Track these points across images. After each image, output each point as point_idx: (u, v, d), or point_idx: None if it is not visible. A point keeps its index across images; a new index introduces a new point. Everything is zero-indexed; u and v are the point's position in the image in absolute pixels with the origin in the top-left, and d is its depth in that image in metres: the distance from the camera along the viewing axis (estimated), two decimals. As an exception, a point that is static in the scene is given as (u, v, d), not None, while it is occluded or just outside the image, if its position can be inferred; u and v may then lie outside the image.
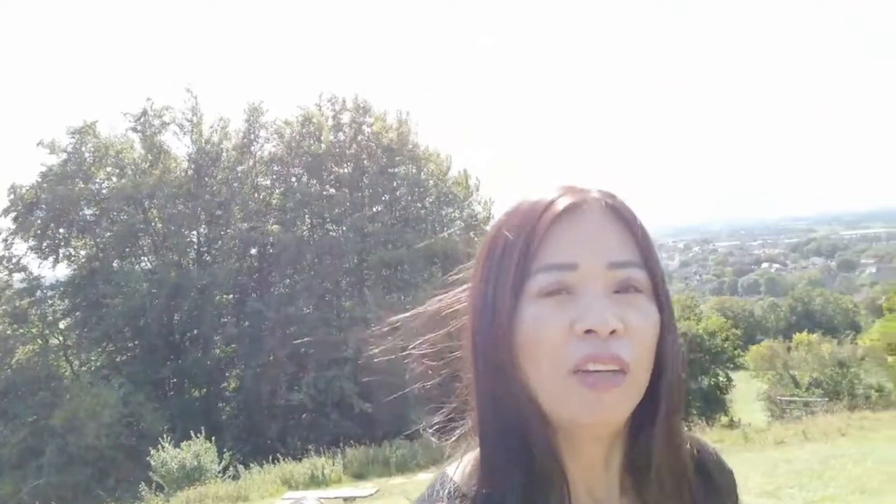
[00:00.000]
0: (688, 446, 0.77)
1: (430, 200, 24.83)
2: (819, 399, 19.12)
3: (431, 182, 24.94)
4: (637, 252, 0.71)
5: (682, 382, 0.74)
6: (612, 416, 0.67)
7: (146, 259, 22.38)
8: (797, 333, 25.37)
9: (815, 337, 23.65)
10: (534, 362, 0.68)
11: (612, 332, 0.66)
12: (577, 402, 0.66)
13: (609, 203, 0.72)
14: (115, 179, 22.20)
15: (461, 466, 0.73)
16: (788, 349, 22.94)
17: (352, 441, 15.33)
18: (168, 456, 11.48)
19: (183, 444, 11.86)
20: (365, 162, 23.87)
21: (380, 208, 23.59)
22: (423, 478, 11.75)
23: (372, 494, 10.61)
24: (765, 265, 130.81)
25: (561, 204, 0.70)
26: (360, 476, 13.08)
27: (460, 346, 0.76)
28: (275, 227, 21.93)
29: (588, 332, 0.66)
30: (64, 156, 21.83)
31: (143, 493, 11.04)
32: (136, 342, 20.92)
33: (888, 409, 16.44)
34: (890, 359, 18.91)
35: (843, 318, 48.34)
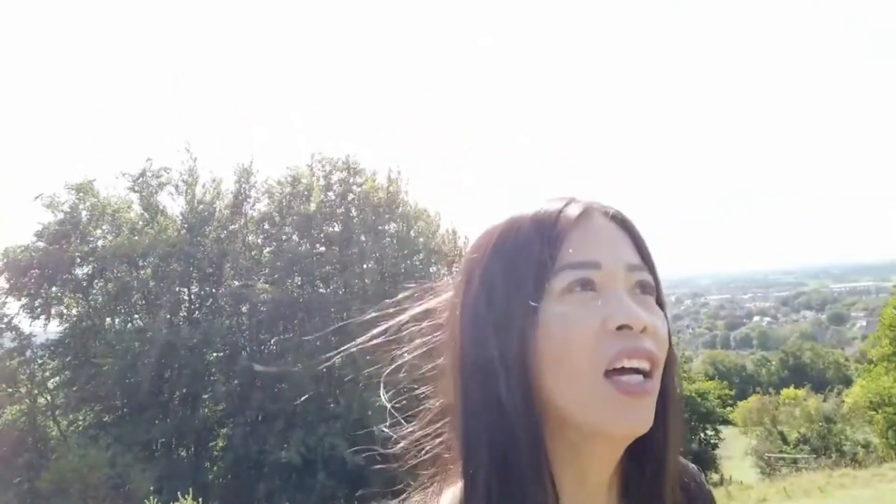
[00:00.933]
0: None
1: (419, 258, 25.25)
2: (806, 455, 19.27)
3: (421, 240, 25.42)
4: (643, 254, 0.73)
5: (680, 389, 0.75)
6: (644, 423, 0.66)
7: (138, 317, 22.53)
8: (784, 389, 25.55)
9: (802, 392, 23.86)
10: (560, 364, 0.66)
11: (643, 329, 0.67)
12: (610, 408, 0.65)
13: (611, 212, 0.74)
14: (110, 238, 22.55)
15: None
16: (777, 405, 23.13)
17: (341, 500, 15.31)
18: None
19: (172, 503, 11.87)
20: (355, 221, 24.40)
21: (369, 266, 23.98)
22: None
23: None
24: (756, 318, 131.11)
25: (575, 209, 0.71)
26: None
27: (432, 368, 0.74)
28: (265, 285, 22.26)
29: (620, 328, 0.66)
30: (61, 214, 22.23)
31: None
32: (124, 401, 20.88)
33: (872, 465, 16.59)
34: (874, 415, 19.17)
35: (834, 372, 48.59)
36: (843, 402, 21.93)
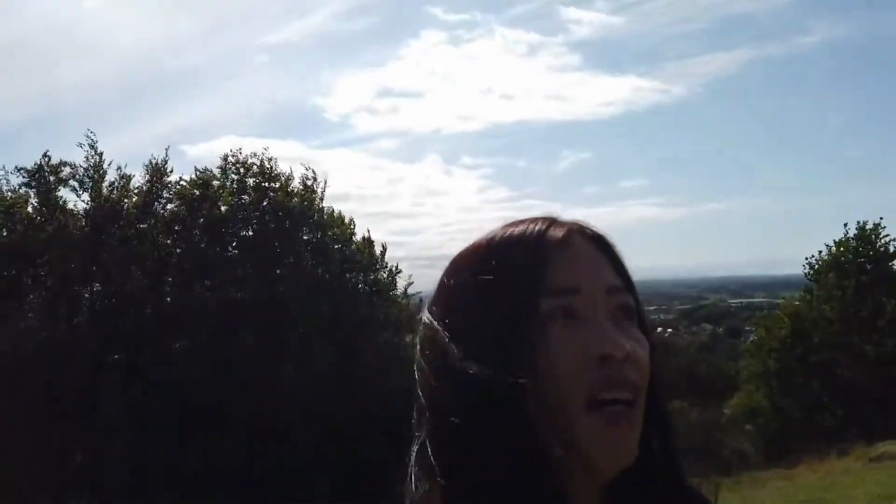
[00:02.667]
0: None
1: (334, 266, 25.43)
2: (688, 463, 20.77)
3: (336, 247, 25.59)
4: (624, 276, 0.71)
5: (669, 414, 0.72)
6: (629, 454, 0.64)
7: (33, 316, 21.65)
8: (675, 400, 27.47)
9: (685, 404, 25.69)
10: (543, 396, 0.63)
11: (626, 356, 0.64)
12: (597, 440, 0.62)
13: (590, 232, 0.72)
14: (4, 234, 21.58)
15: None
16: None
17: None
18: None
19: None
20: (270, 226, 24.32)
21: (282, 272, 23.96)
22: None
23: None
24: (659, 330, 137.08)
25: (558, 231, 0.69)
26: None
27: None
28: (173, 287, 21.86)
29: (603, 358, 0.63)
30: (-50, 207, 21.12)
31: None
32: (17, 406, 19.99)
33: (744, 472, 18.15)
34: (748, 427, 20.95)
35: (725, 384, 51.85)
36: (723, 413, 23.75)
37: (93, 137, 22.27)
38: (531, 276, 0.66)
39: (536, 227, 0.70)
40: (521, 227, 0.70)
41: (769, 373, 18.75)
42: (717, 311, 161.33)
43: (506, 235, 0.70)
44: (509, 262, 0.67)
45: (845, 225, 17.74)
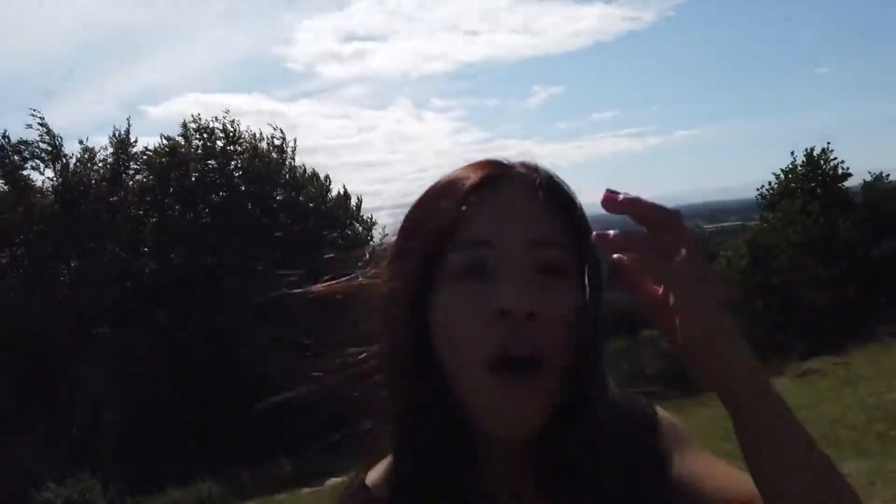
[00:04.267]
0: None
1: (310, 224, 25.68)
2: (660, 390, 21.95)
3: (311, 205, 25.80)
4: (566, 232, 0.65)
5: (603, 376, 0.69)
6: (526, 423, 0.62)
7: (13, 294, 21.84)
8: (644, 330, 28.61)
9: (655, 333, 26.66)
10: (451, 357, 0.62)
11: (531, 315, 0.60)
12: (493, 404, 0.61)
13: (535, 177, 0.67)
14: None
15: (376, 474, 0.69)
16: (636, 343, 26.05)
17: (234, 463, 16.05)
18: (51, 495, 11.89)
19: (67, 480, 12.30)
20: (241, 189, 24.43)
21: (257, 234, 24.20)
22: (306, 491, 12.85)
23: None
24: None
25: (476, 177, 0.66)
26: (242, 496, 13.94)
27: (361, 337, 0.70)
28: (149, 258, 22.11)
29: (504, 314, 0.60)
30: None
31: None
32: (4, 381, 20.40)
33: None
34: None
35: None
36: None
37: (39, 115, 21.90)
38: (439, 230, 0.64)
39: (459, 174, 0.67)
40: (451, 174, 0.68)
41: (731, 302, 19.71)
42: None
43: (434, 185, 0.69)
44: (426, 213, 0.66)
45: (792, 153, 18.48)
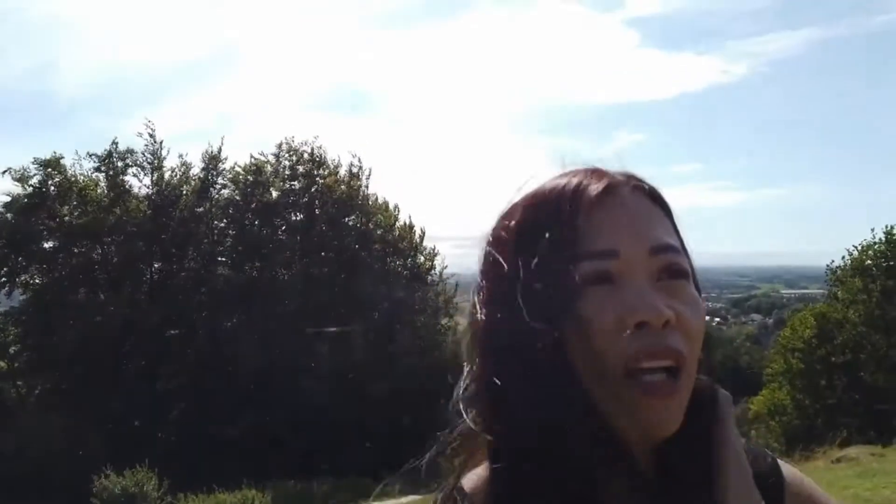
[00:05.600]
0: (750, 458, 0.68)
1: (377, 250, 26.59)
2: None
3: (379, 233, 26.76)
4: (675, 235, 0.67)
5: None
6: (669, 425, 0.61)
7: (100, 292, 23.53)
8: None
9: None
10: (587, 363, 0.61)
11: (666, 323, 0.60)
12: (632, 410, 0.61)
13: (637, 185, 0.67)
14: (77, 214, 23.45)
15: (471, 484, 0.67)
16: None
17: (283, 476, 16.73)
18: (110, 483, 12.83)
19: (126, 471, 13.23)
20: (317, 212, 25.66)
21: (328, 255, 25.26)
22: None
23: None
24: (706, 318, 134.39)
25: (595, 187, 0.65)
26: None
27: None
28: (226, 269, 23.48)
29: (639, 325, 0.60)
30: (30, 188, 23.04)
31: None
32: (82, 371, 21.94)
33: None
34: (772, 423, 21.33)
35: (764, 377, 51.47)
36: (749, 408, 24.09)
37: (151, 126, 23.96)
38: (562, 242, 0.62)
39: (573, 183, 0.66)
40: (560, 182, 0.67)
41: (792, 372, 19.14)
42: (767, 301, 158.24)
43: (543, 190, 0.67)
44: (542, 224, 0.64)
45: (872, 230, 17.96)
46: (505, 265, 0.65)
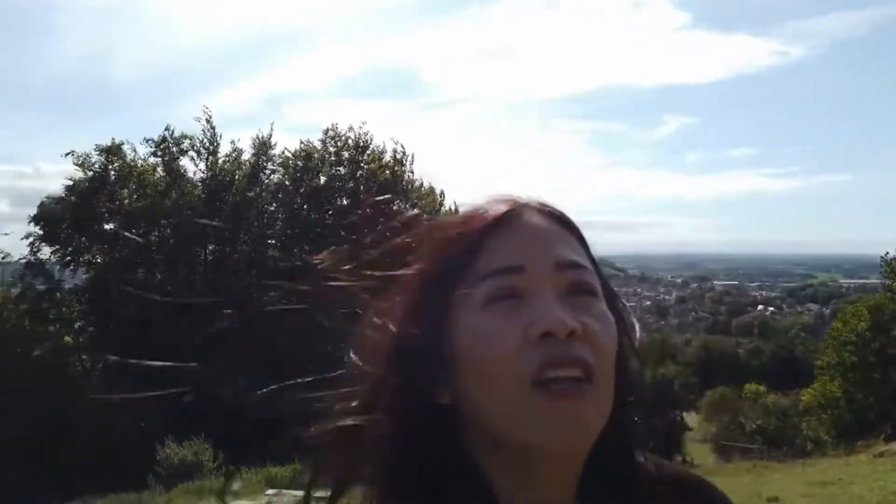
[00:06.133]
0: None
1: (421, 234, 26.83)
2: (759, 447, 21.06)
3: (424, 217, 27.00)
4: (584, 256, 0.68)
5: (643, 405, 0.69)
6: (582, 429, 0.59)
7: (158, 272, 24.52)
8: (747, 384, 27.37)
9: (762, 388, 25.64)
10: (486, 381, 0.61)
11: (571, 333, 0.60)
12: (542, 417, 0.59)
13: (546, 209, 0.69)
14: (136, 198, 24.47)
15: None
16: (740, 396, 24.96)
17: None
18: (171, 453, 13.57)
19: (184, 443, 13.95)
20: (362, 196, 26.11)
21: (374, 239, 25.66)
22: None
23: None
24: (760, 308, 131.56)
25: (496, 210, 0.67)
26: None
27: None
28: (276, 251, 24.20)
29: (544, 336, 0.60)
30: (91, 173, 24.16)
31: (151, 483, 13.11)
32: (143, 347, 22.97)
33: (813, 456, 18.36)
34: (823, 415, 20.95)
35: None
36: (800, 400, 23.68)
37: (209, 112, 24.77)
38: (461, 259, 0.64)
39: (478, 208, 0.68)
40: (469, 207, 0.70)
41: (844, 365, 18.73)
42: (825, 291, 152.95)
43: (454, 216, 0.71)
44: (447, 242, 0.66)
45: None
46: (416, 291, 0.66)
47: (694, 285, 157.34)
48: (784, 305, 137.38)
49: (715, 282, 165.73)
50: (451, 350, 0.63)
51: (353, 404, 0.68)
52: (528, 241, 0.66)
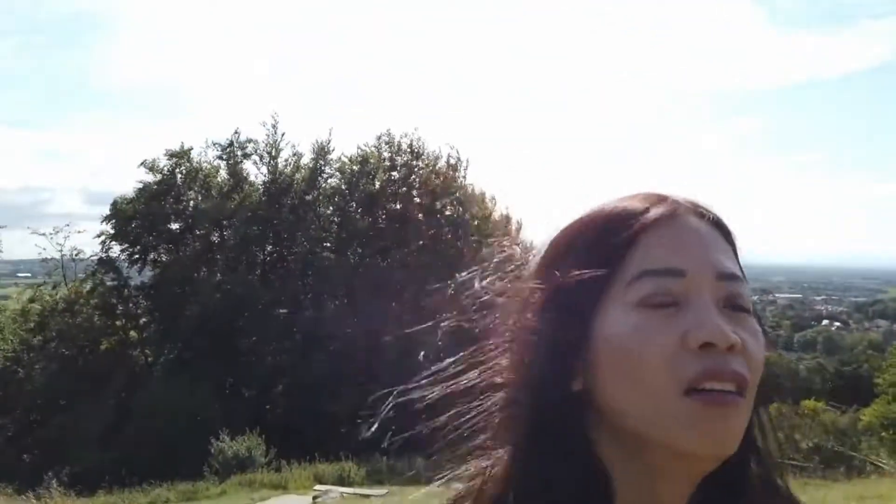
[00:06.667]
0: None
1: (473, 240, 27.05)
2: (813, 464, 20.40)
3: (475, 223, 27.25)
4: (738, 266, 0.65)
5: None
6: (732, 438, 0.59)
7: (218, 272, 25.52)
8: (805, 400, 26.48)
9: (821, 405, 24.76)
10: (633, 382, 0.60)
11: (731, 347, 0.59)
12: (693, 424, 0.58)
13: (703, 212, 0.66)
14: (200, 199, 25.53)
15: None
16: (796, 413, 24.12)
17: (377, 453, 17.70)
18: (225, 446, 14.18)
19: (237, 437, 14.56)
20: (416, 201, 26.52)
21: (424, 243, 26.01)
22: (427, 489, 14.00)
23: (384, 495, 13.00)
24: (825, 322, 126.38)
25: (656, 210, 0.64)
26: (379, 482, 15.43)
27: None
28: (331, 254, 24.85)
29: (704, 346, 0.59)
30: (160, 176, 25.36)
31: (206, 473, 13.74)
32: (203, 344, 23.97)
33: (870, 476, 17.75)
34: (884, 435, 20.14)
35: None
36: (859, 419, 22.79)
37: (276, 117, 25.66)
38: (614, 255, 0.62)
39: (634, 205, 0.65)
40: (622, 203, 0.66)
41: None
42: (895, 306, 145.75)
43: (603, 210, 0.66)
44: (595, 238, 0.64)
45: None
46: (547, 280, 0.65)
47: (755, 298, 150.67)
48: (851, 321, 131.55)
49: (778, 294, 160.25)
50: (592, 342, 0.62)
51: (493, 382, 0.67)
52: (689, 244, 0.64)
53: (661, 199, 0.67)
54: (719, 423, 0.58)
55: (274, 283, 24.71)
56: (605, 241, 0.64)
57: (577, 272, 0.62)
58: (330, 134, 26.62)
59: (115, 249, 25.35)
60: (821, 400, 27.75)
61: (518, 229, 27.83)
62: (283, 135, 25.85)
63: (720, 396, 0.58)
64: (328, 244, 26.24)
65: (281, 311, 24.77)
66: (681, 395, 0.59)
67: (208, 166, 25.79)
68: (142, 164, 25.17)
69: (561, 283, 0.63)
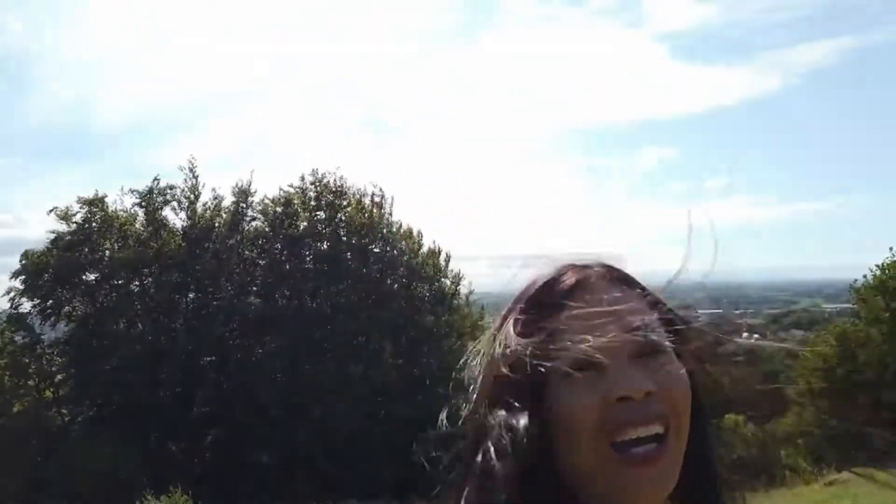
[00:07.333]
0: None
1: (402, 275, 27.18)
2: (738, 478, 21.17)
3: (404, 259, 27.40)
4: (653, 314, 0.73)
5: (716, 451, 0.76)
6: (659, 489, 0.66)
7: (139, 322, 24.60)
8: (727, 414, 27.65)
9: (741, 418, 25.90)
10: (570, 444, 0.67)
11: (648, 394, 0.67)
12: (621, 481, 0.65)
13: (613, 274, 0.76)
14: (117, 248, 24.64)
15: None
16: (720, 427, 25.04)
17: (316, 501, 17.32)
18: (149, 505, 13.58)
19: (163, 497, 13.97)
20: (343, 240, 26.47)
21: (352, 283, 25.95)
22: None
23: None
24: (745, 335, 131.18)
25: (568, 281, 0.73)
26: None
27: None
28: (256, 299, 24.39)
29: (621, 399, 0.66)
30: (74, 225, 24.36)
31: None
32: (123, 398, 22.94)
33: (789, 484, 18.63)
34: (799, 442, 21.24)
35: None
36: (777, 428, 23.93)
37: (193, 162, 25.15)
38: (543, 333, 0.70)
39: (550, 279, 0.75)
40: (539, 279, 0.76)
41: (814, 392, 19.15)
42: (807, 316, 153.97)
43: (528, 288, 0.76)
44: (523, 318, 0.73)
45: (890, 248, 18.00)
46: (496, 350, 0.73)
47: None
48: (768, 332, 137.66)
49: (700, 310, 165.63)
50: (544, 414, 0.69)
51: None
52: (598, 316, 0.71)
53: (572, 268, 0.77)
54: (642, 480, 0.67)
55: (199, 330, 24.01)
56: (536, 320, 0.73)
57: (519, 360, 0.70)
58: (251, 176, 26.35)
59: (26, 305, 24.12)
60: (742, 412, 29.03)
61: (446, 262, 28.15)
62: (196, 178, 25.30)
63: (643, 454, 0.67)
64: (254, 288, 25.78)
65: (207, 358, 24.08)
66: (609, 451, 0.67)
67: (125, 214, 24.99)
68: (52, 210, 24.12)
69: (501, 375, 0.72)
